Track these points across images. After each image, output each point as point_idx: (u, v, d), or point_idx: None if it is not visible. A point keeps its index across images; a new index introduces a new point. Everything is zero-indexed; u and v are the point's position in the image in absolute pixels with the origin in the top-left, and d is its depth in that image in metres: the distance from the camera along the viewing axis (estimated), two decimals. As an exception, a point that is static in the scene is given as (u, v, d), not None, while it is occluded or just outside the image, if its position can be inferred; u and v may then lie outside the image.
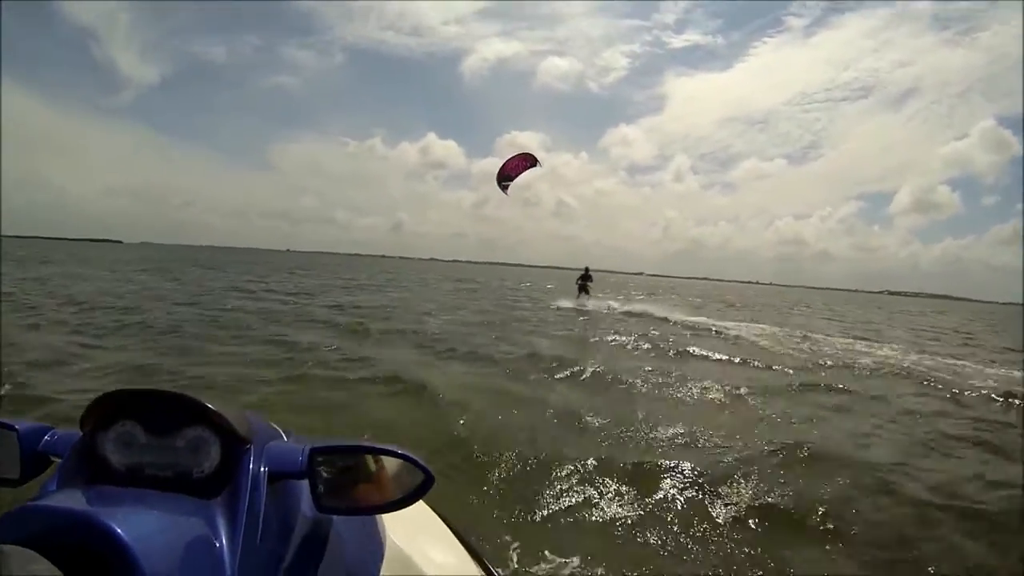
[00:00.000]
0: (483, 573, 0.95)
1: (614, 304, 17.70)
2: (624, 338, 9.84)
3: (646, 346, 9.10)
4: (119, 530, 0.39)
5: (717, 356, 8.43)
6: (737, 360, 8.23)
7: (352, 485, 0.61)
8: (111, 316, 8.96)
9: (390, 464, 0.61)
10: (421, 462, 0.60)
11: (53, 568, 0.36)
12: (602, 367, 6.63)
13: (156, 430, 0.55)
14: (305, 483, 0.58)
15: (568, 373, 6.32)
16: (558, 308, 16.62)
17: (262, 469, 0.55)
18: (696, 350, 8.88)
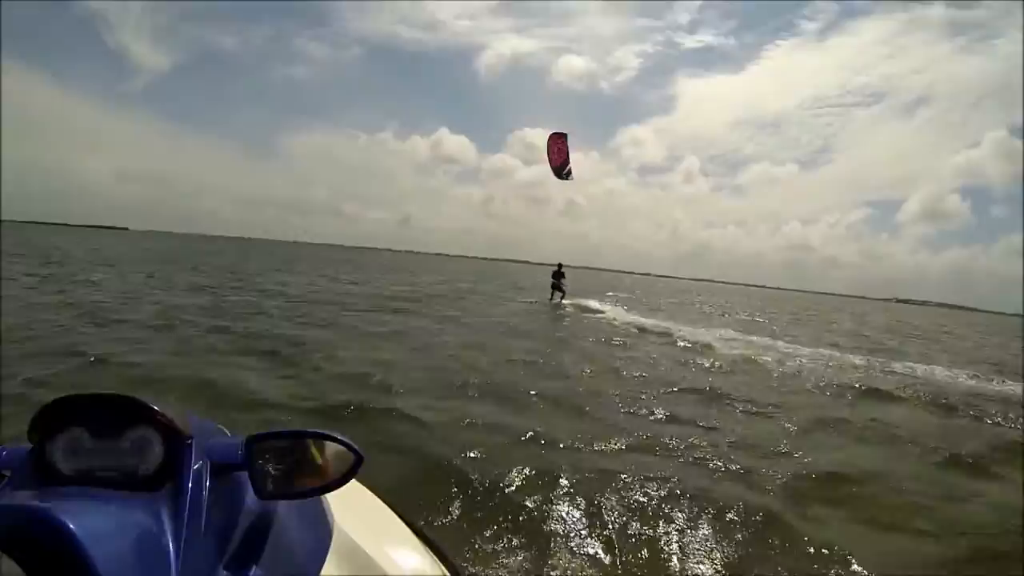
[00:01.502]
0: (435, 558, 0.95)
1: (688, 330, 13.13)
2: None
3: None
4: (71, 524, 0.41)
5: None
6: None
7: (290, 471, 0.64)
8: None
9: (324, 448, 0.65)
10: (351, 443, 0.64)
11: (11, 563, 0.37)
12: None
13: (102, 433, 0.58)
14: (247, 475, 0.61)
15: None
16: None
17: (204, 462, 0.59)
18: None
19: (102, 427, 0.58)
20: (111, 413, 0.58)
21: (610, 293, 27.69)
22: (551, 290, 17.97)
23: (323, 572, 0.71)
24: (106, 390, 0.59)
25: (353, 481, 1.19)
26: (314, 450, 0.66)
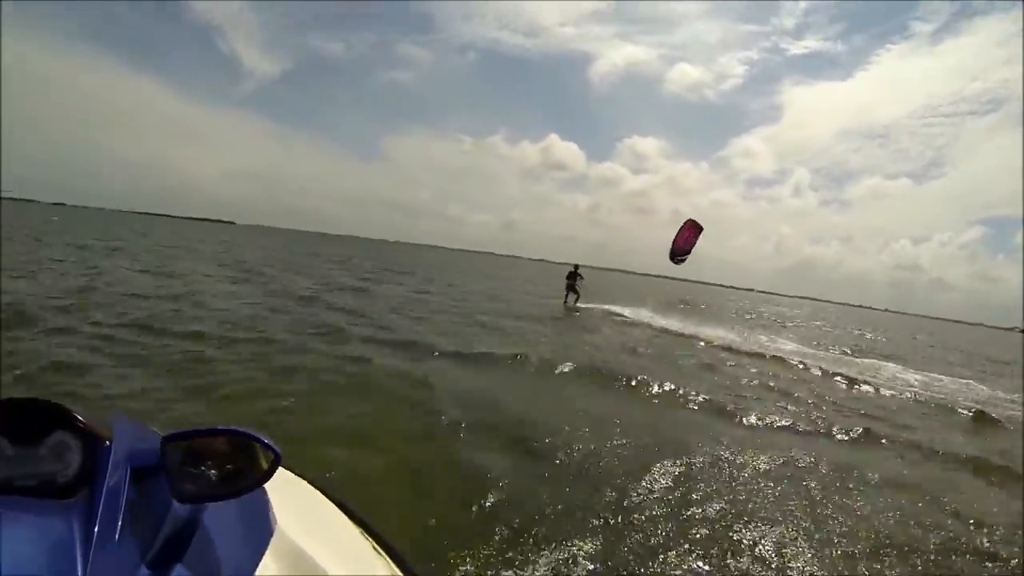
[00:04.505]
0: (386, 559, 0.94)
1: None
2: None
3: None
4: None
5: None
6: None
7: (209, 472, 0.63)
8: None
9: (240, 446, 0.64)
10: (267, 441, 0.64)
11: None
12: None
13: (22, 440, 0.57)
14: None
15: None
16: None
17: (124, 466, 0.58)
18: None
19: (22, 433, 0.57)
20: (31, 419, 0.57)
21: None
22: (565, 291, 17.44)
23: (260, 572, 0.69)
24: (26, 395, 0.59)
25: (301, 480, 1.02)
26: (231, 449, 0.64)
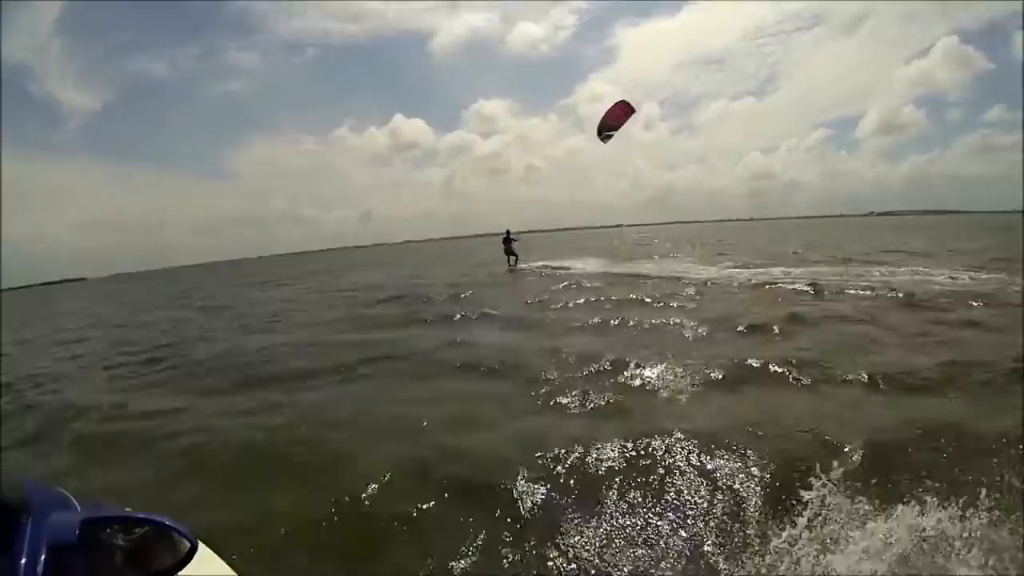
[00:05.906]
0: None
1: None
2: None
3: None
4: None
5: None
6: None
7: (128, 555, 0.63)
8: None
9: (159, 534, 0.65)
10: (184, 531, 0.65)
11: None
12: None
13: None
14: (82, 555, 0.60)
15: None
16: None
17: (40, 542, 0.56)
18: None
19: None
20: None
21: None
22: (506, 256, 19.35)
23: None
24: None
25: (220, 563, 1.02)
26: (149, 536, 0.64)
